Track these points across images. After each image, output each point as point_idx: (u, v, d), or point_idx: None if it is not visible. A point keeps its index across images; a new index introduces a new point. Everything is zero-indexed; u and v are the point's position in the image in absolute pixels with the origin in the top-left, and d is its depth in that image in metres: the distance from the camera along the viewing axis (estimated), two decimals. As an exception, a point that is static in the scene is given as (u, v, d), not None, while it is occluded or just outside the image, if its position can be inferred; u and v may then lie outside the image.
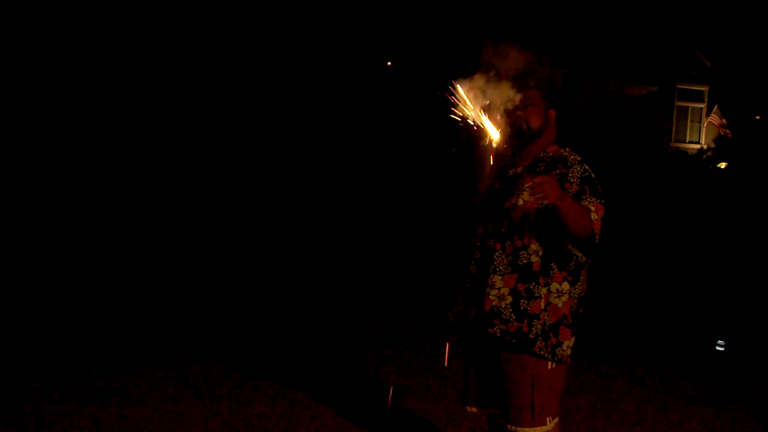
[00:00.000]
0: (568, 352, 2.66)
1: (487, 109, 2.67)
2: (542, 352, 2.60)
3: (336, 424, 3.80)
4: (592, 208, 2.55)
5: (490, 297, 2.62)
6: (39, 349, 4.79)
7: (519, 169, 2.72)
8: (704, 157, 18.49)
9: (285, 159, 15.61)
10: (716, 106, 20.57)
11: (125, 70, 16.05)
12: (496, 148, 2.72)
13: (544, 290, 2.60)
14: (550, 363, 2.63)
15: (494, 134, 2.69)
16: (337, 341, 5.31)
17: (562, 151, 2.71)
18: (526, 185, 2.49)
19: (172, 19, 16.59)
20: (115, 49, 15.91)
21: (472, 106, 2.65)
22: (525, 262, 2.60)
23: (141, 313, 5.76)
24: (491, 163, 2.80)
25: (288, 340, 5.30)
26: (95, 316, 5.64)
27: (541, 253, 2.60)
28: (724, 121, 19.72)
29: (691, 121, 23.06)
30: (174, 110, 16.36)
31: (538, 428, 2.66)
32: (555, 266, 2.61)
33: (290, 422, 3.80)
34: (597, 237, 2.56)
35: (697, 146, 21.65)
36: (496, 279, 2.63)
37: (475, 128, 2.69)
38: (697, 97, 22.90)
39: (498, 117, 2.67)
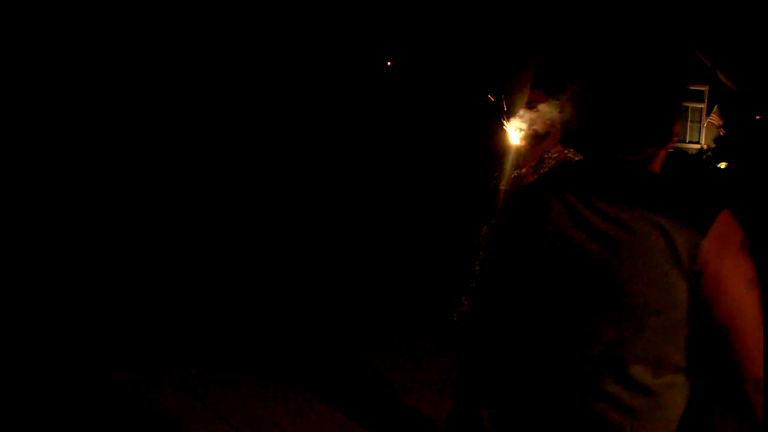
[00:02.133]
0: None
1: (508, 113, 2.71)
2: (546, 352, 2.62)
3: (336, 422, 3.82)
4: None
5: (495, 297, 2.64)
6: (34, 348, 4.81)
7: (523, 170, 2.75)
8: (704, 157, 18.52)
9: (287, 158, 15.62)
10: (716, 106, 20.59)
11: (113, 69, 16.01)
12: (516, 152, 2.76)
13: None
14: (553, 362, 2.65)
15: (514, 138, 2.73)
16: (336, 340, 5.33)
17: (566, 152, 2.73)
18: None
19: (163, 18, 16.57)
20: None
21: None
22: (529, 262, 2.62)
23: (135, 312, 5.77)
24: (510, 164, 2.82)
25: (287, 340, 5.32)
26: (89, 314, 5.65)
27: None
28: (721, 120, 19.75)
29: (691, 121, 23.10)
30: (169, 108, 16.34)
31: (541, 427, 2.69)
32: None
33: (290, 421, 3.83)
34: None
35: (697, 146, 21.67)
36: (501, 279, 2.65)
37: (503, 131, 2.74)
38: (697, 97, 22.93)
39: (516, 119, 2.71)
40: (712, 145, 19.92)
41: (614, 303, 1.29)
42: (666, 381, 1.29)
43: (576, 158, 2.70)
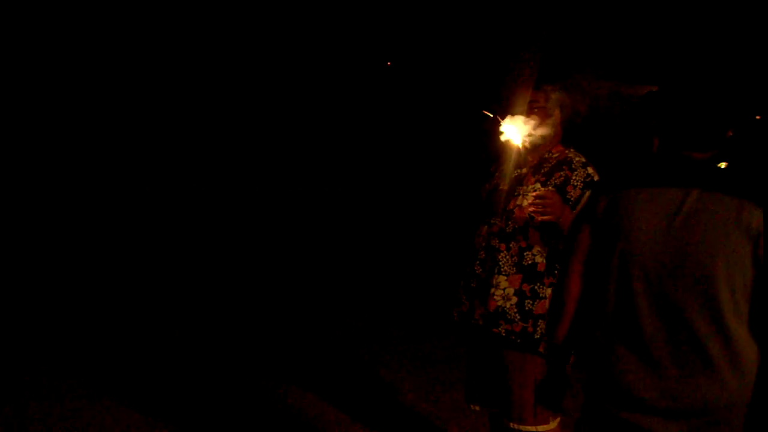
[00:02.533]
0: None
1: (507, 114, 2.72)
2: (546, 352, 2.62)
3: (338, 421, 3.82)
4: None
5: (495, 297, 2.65)
6: (36, 349, 4.82)
7: (524, 170, 2.75)
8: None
9: (289, 159, 15.63)
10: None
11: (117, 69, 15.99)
12: (517, 152, 2.76)
13: (549, 291, 2.63)
14: (553, 362, 2.65)
15: (516, 140, 2.73)
16: (336, 340, 5.33)
17: (567, 152, 2.73)
18: (531, 194, 2.56)
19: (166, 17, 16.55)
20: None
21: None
22: (530, 262, 2.63)
23: (136, 314, 5.77)
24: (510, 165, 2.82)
25: (287, 340, 5.32)
26: (89, 316, 5.65)
27: (545, 254, 2.63)
28: None
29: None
30: (173, 108, 16.35)
31: (541, 427, 2.69)
32: (559, 267, 2.63)
33: (291, 420, 3.83)
34: None
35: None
36: (501, 279, 2.66)
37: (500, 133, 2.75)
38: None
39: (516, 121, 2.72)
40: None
41: (694, 274, 1.69)
42: (736, 340, 1.70)
43: (577, 158, 2.70)
